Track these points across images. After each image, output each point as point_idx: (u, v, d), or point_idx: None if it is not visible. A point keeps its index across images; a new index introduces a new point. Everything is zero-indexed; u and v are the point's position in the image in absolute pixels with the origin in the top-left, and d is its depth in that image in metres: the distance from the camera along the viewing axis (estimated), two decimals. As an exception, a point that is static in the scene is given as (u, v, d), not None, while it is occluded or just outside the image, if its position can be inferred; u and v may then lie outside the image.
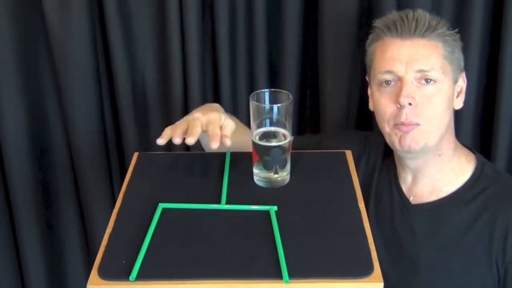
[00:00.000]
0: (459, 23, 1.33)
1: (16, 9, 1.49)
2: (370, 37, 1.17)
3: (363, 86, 1.49)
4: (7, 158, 1.61)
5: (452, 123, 1.15)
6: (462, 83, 1.15)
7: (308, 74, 1.52)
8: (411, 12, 1.10)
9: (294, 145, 1.17)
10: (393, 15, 1.13)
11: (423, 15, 1.10)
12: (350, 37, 1.41)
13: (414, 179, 1.18)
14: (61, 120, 1.61)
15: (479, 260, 1.10)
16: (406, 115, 1.08)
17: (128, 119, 1.56)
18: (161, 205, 0.96)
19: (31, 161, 1.63)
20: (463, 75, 1.15)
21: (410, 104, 1.07)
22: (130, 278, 0.82)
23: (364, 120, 1.51)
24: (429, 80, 1.08)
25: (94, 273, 0.84)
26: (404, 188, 1.19)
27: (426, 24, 1.09)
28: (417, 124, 1.08)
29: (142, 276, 0.82)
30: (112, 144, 1.64)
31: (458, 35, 1.13)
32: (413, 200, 1.17)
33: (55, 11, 1.45)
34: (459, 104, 1.15)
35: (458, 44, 1.13)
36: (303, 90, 1.53)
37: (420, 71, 1.08)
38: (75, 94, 1.52)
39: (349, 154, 1.12)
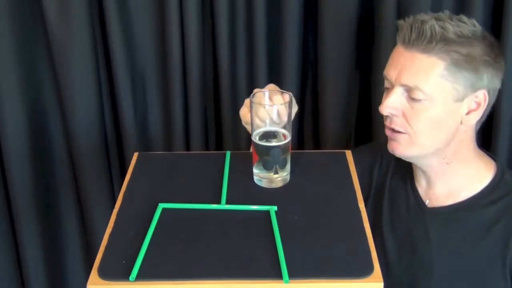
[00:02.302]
0: (459, 23, 1.33)
1: (16, 9, 1.49)
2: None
3: (363, 86, 1.49)
4: (7, 158, 1.61)
5: (463, 136, 1.09)
6: (479, 100, 1.06)
7: (308, 74, 1.52)
8: (420, 21, 1.03)
9: None
10: (409, 19, 1.06)
11: (432, 27, 1.02)
12: (350, 37, 1.41)
13: (429, 182, 1.16)
14: (61, 120, 1.61)
15: (493, 267, 1.08)
16: (390, 121, 1.08)
17: (128, 119, 1.56)
18: (161, 205, 0.96)
19: (31, 161, 1.63)
20: (483, 92, 1.05)
21: (393, 114, 1.06)
22: (130, 278, 0.82)
23: (364, 121, 1.51)
24: (413, 98, 1.04)
25: (94, 273, 0.84)
26: (421, 190, 1.18)
27: (428, 36, 1.01)
28: (402, 133, 1.07)
29: (142, 276, 0.82)
30: (112, 144, 1.64)
31: (483, 52, 1.03)
32: (429, 203, 1.16)
33: (55, 11, 1.45)
34: (469, 120, 1.07)
35: (478, 64, 1.03)
36: (303, 90, 1.53)
37: (404, 85, 1.04)
38: (75, 94, 1.52)
39: (349, 154, 1.12)
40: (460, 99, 1.05)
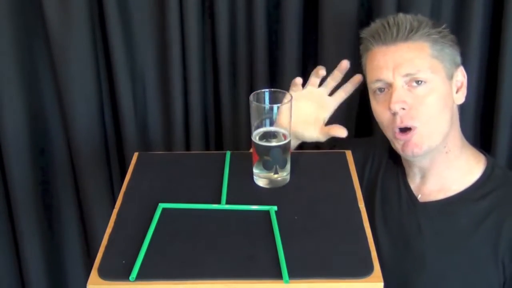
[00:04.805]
0: (459, 23, 1.33)
1: (16, 9, 1.49)
2: (361, 48, 1.18)
3: (363, 87, 1.49)
4: (7, 158, 1.61)
5: (456, 118, 1.15)
6: (461, 77, 1.15)
7: (308, 74, 1.52)
8: (392, 18, 1.11)
9: None
10: (376, 23, 1.14)
11: (404, 19, 1.10)
12: (350, 37, 1.41)
13: (423, 178, 1.18)
14: (61, 120, 1.61)
15: (485, 259, 1.10)
16: (401, 118, 1.09)
17: (128, 119, 1.56)
18: (161, 205, 0.96)
19: (31, 161, 1.63)
20: (461, 69, 1.15)
21: (403, 108, 1.08)
22: (130, 278, 0.82)
23: (364, 121, 1.50)
24: (419, 82, 1.08)
25: (94, 273, 0.84)
26: (413, 186, 1.19)
27: (408, 27, 1.09)
28: (414, 128, 1.08)
29: (142, 276, 0.82)
30: (112, 144, 1.64)
31: (447, 30, 1.13)
32: (421, 198, 1.18)
33: (55, 11, 1.45)
34: (460, 99, 1.14)
35: (449, 40, 1.12)
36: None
37: (407, 75, 1.08)
38: (75, 94, 1.52)
39: (349, 154, 1.12)
40: (450, 77, 1.12)
